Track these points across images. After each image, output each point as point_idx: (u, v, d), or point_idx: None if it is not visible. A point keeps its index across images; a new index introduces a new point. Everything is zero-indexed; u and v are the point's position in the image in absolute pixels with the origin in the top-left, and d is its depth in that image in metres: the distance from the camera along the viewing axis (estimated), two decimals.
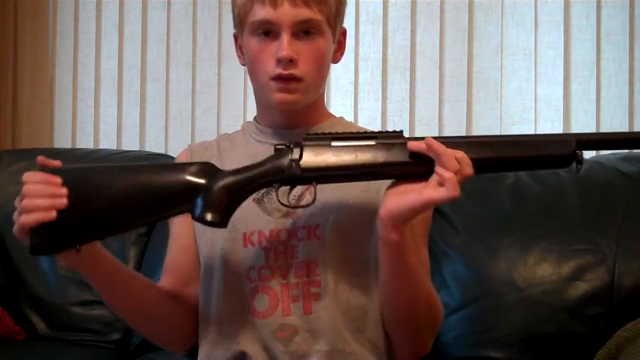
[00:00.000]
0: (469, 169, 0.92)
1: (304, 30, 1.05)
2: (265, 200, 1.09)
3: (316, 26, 1.06)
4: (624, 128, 1.91)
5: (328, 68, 1.12)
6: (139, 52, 2.30)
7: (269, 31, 1.05)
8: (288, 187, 0.98)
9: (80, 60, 2.36)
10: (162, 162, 1.08)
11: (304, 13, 1.04)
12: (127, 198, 0.94)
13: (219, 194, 0.94)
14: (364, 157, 0.95)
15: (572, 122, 1.95)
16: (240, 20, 1.09)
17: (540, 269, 1.47)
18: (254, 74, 1.09)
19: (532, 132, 1.97)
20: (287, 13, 1.03)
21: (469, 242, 1.55)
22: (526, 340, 1.44)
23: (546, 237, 1.51)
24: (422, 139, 0.96)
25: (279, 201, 0.97)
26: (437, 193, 0.90)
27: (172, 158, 2.08)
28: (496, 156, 0.95)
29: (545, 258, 1.48)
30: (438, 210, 1.55)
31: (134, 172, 0.98)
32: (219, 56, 2.21)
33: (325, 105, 1.21)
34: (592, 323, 1.42)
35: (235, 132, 1.22)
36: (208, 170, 0.97)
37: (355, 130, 1.15)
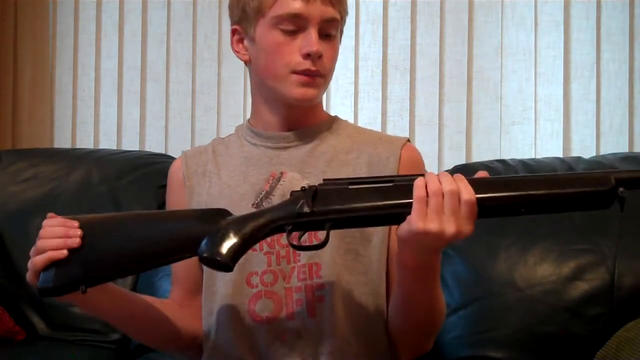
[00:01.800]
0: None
1: (325, 29, 1.06)
2: (264, 205, 1.07)
3: (336, 26, 1.08)
4: (624, 128, 1.91)
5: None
6: (139, 52, 2.30)
7: (294, 25, 1.04)
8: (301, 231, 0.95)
9: (80, 60, 2.36)
10: (177, 211, 1.09)
11: (331, 12, 1.05)
12: (136, 244, 0.94)
13: (231, 237, 0.91)
14: (380, 200, 0.89)
15: (572, 122, 1.95)
16: (257, 10, 1.06)
17: (540, 269, 1.47)
18: (269, 66, 1.07)
19: (532, 131, 1.98)
20: (318, 9, 1.04)
21: (469, 242, 1.54)
22: (526, 340, 1.44)
23: (546, 237, 1.51)
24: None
25: (290, 244, 0.92)
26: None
27: (172, 158, 2.09)
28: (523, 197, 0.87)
29: (545, 258, 1.48)
30: None
31: (145, 219, 0.99)
32: (219, 56, 2.21)
33: (325, 105, 1.21)
34: (592, 323, 1.42)
35: (229, 135, 1.21)
36: (219, 214, 0.95)
37: (352, 131, 1.16)
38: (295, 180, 1.08)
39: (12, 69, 2.36)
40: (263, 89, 1.11)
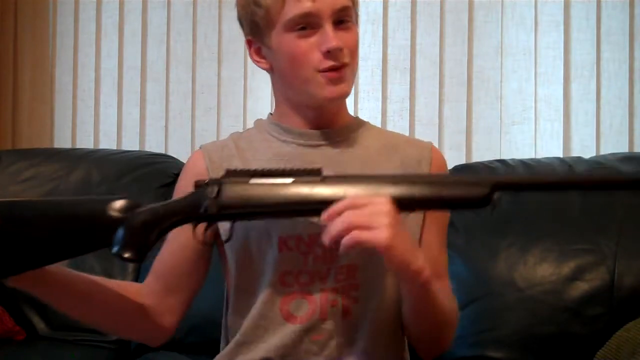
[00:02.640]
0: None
1: (340, 19, 1.04)
2: None
3: (351, 13, 1.05)
4: (624, 128, 1.91)
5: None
6: (139, 52, 2.30)
7: (307, 24, 1.02)
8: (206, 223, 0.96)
9: (80, 60, 2.36)
10: (86, 198, 1.07)
11: (341, 1, 1.03)
12: (48, 232, 0.94)
13: (136, 230, 0.93)
14: (281, 195, 0.93)
15: (572, 122, 1.95)
16: (266, 21, 1.04)
17: (540, 269, 1.47)
18: (295, 71, 1.05)
19: (532, 131, 1.98)
20: (326, 2, 1.01)
21: (469, 242, 1.56)
22: (526, 340, 1.45)
23: (546, 237, 1.51)
24: (339, 178, 0.94)
25: (196, 239, 0.96)
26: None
27: (172, 158, 2.10)
28: (410, 195, 0.92)
29: (545, 258, 1.48)
30: None
31: (55, 205, 0.98)
32: (219, 56, 2.21)
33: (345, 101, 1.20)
34: (592, 323, 1.42)
35: (248, 129, 1.18)
36: (128, 205, 0.95)
37: (376, 134, 1.15)
38: None
39: (12, 69, 2.36)
40: (290, 93, 1.09)
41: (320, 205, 0.90)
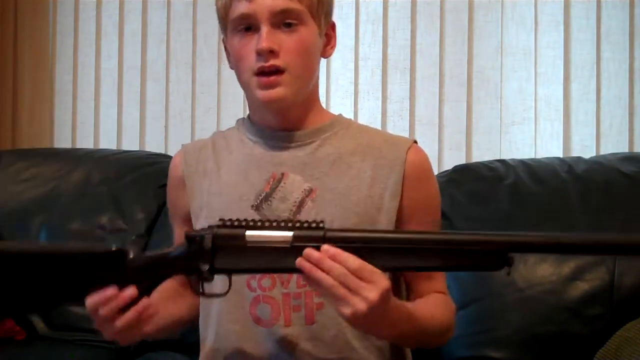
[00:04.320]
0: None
1: (284, 22, 1.02)
2: (264, 207, 1.06)
3: (297, 16, 1.03)
4: (624, 128, 1.91)
5: (316, 62, 1.08)
6: (139, 52, 2.29)
7: (249, 26, 1.03)
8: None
9: (80, 60, 2.36)
10: (78, 249, 0.99)
11: (282, 3, 1.01)
12: (38, 284, 0.92)
13: (129, 279, 0.91)
14: (278, 262, 0.88)
15: (572, 122, 1.95)
16: (223, 22, 1.07)
17: (540, 269, 1.47)
18: (239, 73, 1.07)
19: (532, 131, 1.97)
20: (263, 4, 1.01)
21: None
22: (526, 340, 1.44)
23: None
24: (342, 235, 0.88)
25: (193, 289, 0.94)
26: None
27: (172, 158, 2.10)
28: (416, 265, 0.89)
29: (545, 258, 1.48)
30: None
31: (45, 257, 0.95)
32: (219, 56, 2.21)
33: (325, 105, 1.20)
34: (592, 323, 1.42)
35: (230, 128, 1.19)
36: (119, 257, 0.92)
37: (357, 131, 1.14)
38: (296, 183, 1.06)
39: (12, 69, 2.36)
40: (245, 93, 1.11)
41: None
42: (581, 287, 1.44)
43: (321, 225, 0.88)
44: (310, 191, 1.06)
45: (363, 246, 0.87)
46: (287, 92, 1.03)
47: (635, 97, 1.91)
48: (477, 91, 2.02)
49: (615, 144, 1.91)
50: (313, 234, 0.87)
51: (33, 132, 2.36)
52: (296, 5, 1.02)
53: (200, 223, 1.09)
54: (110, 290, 0.89)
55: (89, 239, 1.80)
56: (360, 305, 0.83)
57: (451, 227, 1.57)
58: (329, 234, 0.87)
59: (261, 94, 1.03)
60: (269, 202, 1.06)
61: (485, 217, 1.57)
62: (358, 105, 2.09)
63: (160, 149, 2.24)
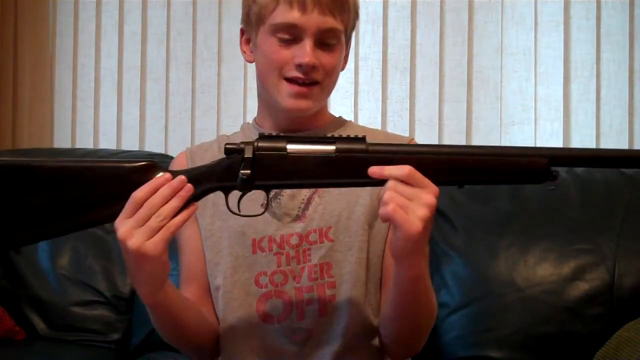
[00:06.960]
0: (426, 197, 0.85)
1: (324, 39, 1.04)
2: (273, 205, 1.07)
3: (337, 36, 1.06)
4: (624, 128, 1.91)
5: (338, 77, 1.12)
6: (139, 52, 2.30)
7: (290, 34, 1.04)
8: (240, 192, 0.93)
9: (80, 60, 2.36)
10: (109, 165, 0.94)
11: (330, 22, 1.04)
12: (69, 196, 0.90)
13: None
14: (321, 170, 0.88)
15: (572, 122, 1.95)
16: (258, 17, 1.07)
17: (540, 269, 1.47)
18: (265, 73, 1.08)
19: (532, 131, 1.98)
20: (315, 19, 1.02)
21: (469, 242, 1.55)
22: (526, 340, 1.44)
23: (546, 237, 1.51)
24: (385, 149, 0.89)
25: (228, 208, 0.92)
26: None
27: (172, 158, 2.07)
28: (460, 178, 0.90)
29: (545, 258, 1.48)
30: (438, 210, 1.55)
31: (76, 169, 0.92)
32: (219, 56, 2.21)
33: (326, 105, 1.20)
34: (592, 323, 1.42)
35: (235, 133, 1.20)
36: (152, 167, 0.90)
37: (358, 132, 1.14)
38: None
39: (12, 69, 2.36)
40: (263, 92, 1.12)
41: (366, 180, 0.87)
42: (581, 287, 1.44)
43: (362, 137, 0.89)
44: None
45: (408, 157, 0.87)
46: (314, 105, 1.07)
47: (635, 97, 1.91)
48: (477, 91, 2.02)
49: (615, 144, 1.92)
50: (355, 146, 0.89)
51: (33, 132, 2.36)
52: (339, 26, 1.05)
53: (207, 221, 1.10)
54: (166, 175, 0.87)
55: (89, 238, 1.80)
56: (419, 212, 0.83)
57: (451, 227, 1.58)
58: (372, 147, 0.89)
59: (290, 101, 1.05)
60: (278, 200, 1.08)
61: (485, 217, 1.57)
62: (358, 105, 2.09)
63: (160, 149, 2.24)
